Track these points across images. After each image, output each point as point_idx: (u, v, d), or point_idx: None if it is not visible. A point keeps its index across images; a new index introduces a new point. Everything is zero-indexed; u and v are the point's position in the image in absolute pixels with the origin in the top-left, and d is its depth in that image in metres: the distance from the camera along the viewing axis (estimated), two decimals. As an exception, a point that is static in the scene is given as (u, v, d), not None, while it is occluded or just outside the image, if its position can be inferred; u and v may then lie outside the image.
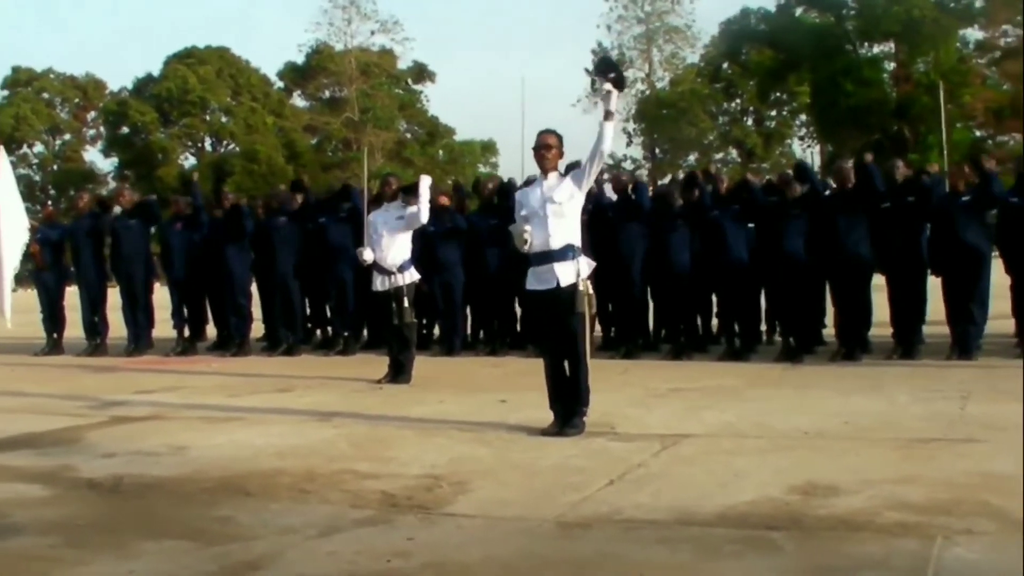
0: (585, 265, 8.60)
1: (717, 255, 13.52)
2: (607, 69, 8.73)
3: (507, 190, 14.47)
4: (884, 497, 6.01)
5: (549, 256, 8.54)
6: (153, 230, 17.69)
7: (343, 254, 15.05)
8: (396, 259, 12.12)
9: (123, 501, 6.87)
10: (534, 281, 8.69)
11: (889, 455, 7.28)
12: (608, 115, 8.49)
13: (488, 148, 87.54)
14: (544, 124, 8.96)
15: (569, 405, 8.57)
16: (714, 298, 14.31)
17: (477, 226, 15.16)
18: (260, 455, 8.12)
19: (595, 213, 13.70)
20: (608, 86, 8.52)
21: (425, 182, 12.14)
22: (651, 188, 15.71)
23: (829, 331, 14.06)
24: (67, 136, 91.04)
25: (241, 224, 16.14)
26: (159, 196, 18.00)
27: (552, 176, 8.70)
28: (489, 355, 14.89)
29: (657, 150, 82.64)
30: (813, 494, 6.15)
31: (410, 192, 12.22)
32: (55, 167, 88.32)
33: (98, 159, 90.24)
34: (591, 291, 8.63)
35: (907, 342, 12.89)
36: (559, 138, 8.81)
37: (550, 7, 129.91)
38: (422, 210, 11.98)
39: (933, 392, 10.05)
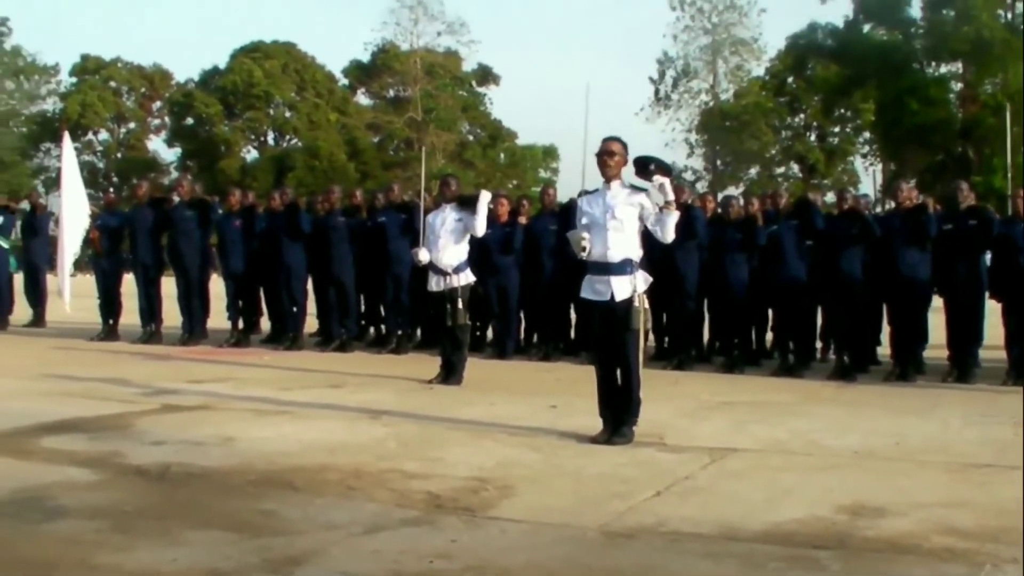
0: (642, 280, 8.58)
1: (774, 271, 13.43)
2: (646, 165, 8.66)
3: (569, 207, 14.41)
4: (933, 521, 5.96)
5: (606, 268, 8.52)
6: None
7: (400, 252, 15.05)
8: (452, 260, 12.12)
9: (170, 489, 6.91)
10: (589, 291, 8.67)
11: (940, 478, 7.23)
12: (668, 205, 8.47)
13: (549, 153, 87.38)
14: (606, 131, 8.91)
15: (619, 414, 8.55)
16: (769, 312, 14.22)
17: (536, 232, 15.11)
18: (308, 450, 8.16)
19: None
20: (658, 178, 8.48)
21: (484, 198, 12.13)
22: (710, 201, 15.58)
23: (884, 350, 13.92)
24: (132, 125, 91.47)
25: (298, 221, 16.17)
26: (219, 188, 17.98)
27: (615, 186, 8.67)
28: (542, 360, 14.85)
29: (719, 162, 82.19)
30: (861, 514, 6.11)
31: (467, 204, 12.21)
32: (119, 155, 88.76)
33: (162, 149, 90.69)
34: (647, 306, 8.61)
35: (963, 365, 12.76)
36: (623, 145, 8.77)
37: (616, 15, 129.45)
38: (478, 226, 12.01)
39: (987, 417, 9.96)
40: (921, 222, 12.61)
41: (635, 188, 8.72)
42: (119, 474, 7.33)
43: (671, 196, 8.48)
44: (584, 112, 9.27)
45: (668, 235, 8.54)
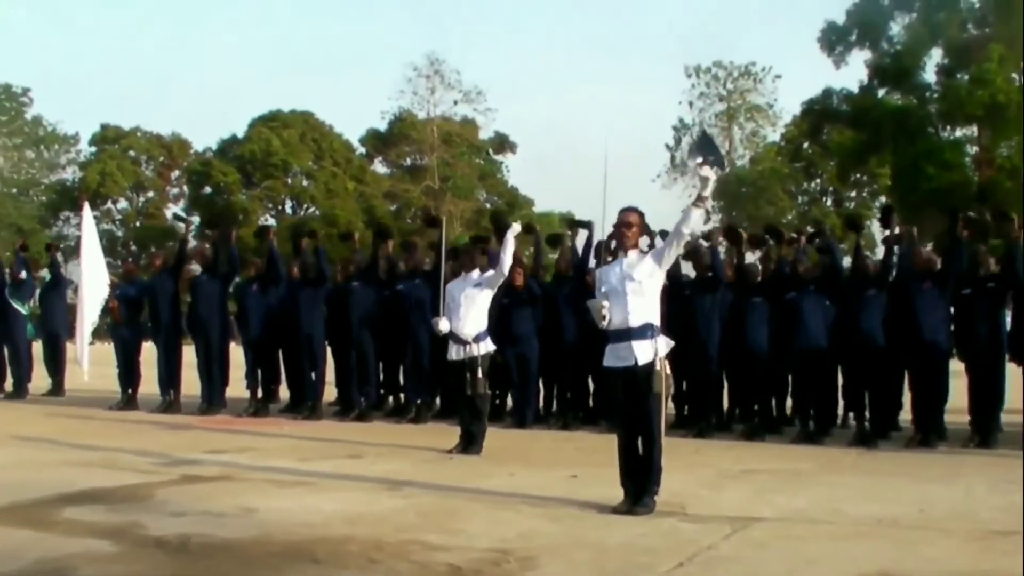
0: (663, 344, 8.55)
1: (794, 335, 13.40)
2: (707, 149, 8.63)
3: (555, 241, 14.48)
4: (961, 590, 5.90)
5: (627, 334, 8.50)
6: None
7: (419, 321, 15.06)
8: (472, 329, 12.11)
9: (190, 561, 6.88)
10: (611, 358, 8.65)
11: (965, 547, 7.17)
12: (699, 199, 8.45)
13: (566, 220, 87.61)
14: (623, 198, 8.93)
15: (640, 483, 8.50)
16: (789, 379, 14.17)
17: (552, 295, 15.12)
18: (329, 521, 8.12)
19: (672, 289, 13.67)
20: (705, 170, 8.43)
21: (514, 229, 12.09)
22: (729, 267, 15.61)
23: (905, 415, 13.86)
24: (151, 194, 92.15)
25: (321, 277, 16.25)
26: (243, 257, 18.01)
27: (632, 254, 8.67)
28: (561, 429, 14.79)
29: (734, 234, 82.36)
30: (887, 584, 6.05)
31: (497, 225, 12.11)
32: (138, 223, 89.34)
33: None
34: (668, 371, 8.58)
35: (985, 430, 12.68)
36: (641, 216, 8.80)
37: (631, 82, 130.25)
38: (505, 262, 11.97)
39: (1012, 483, 9.83)
40: (940, 286, 12.61)
41: (651, 248, 8.77)
42: (139, 545, 7.31)
43: (707, 192, 8.43)
44: (603, 179, 9.29)
45: (686, 226, 8.47)
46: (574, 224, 15.85)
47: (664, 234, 9.01)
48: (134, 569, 6.62)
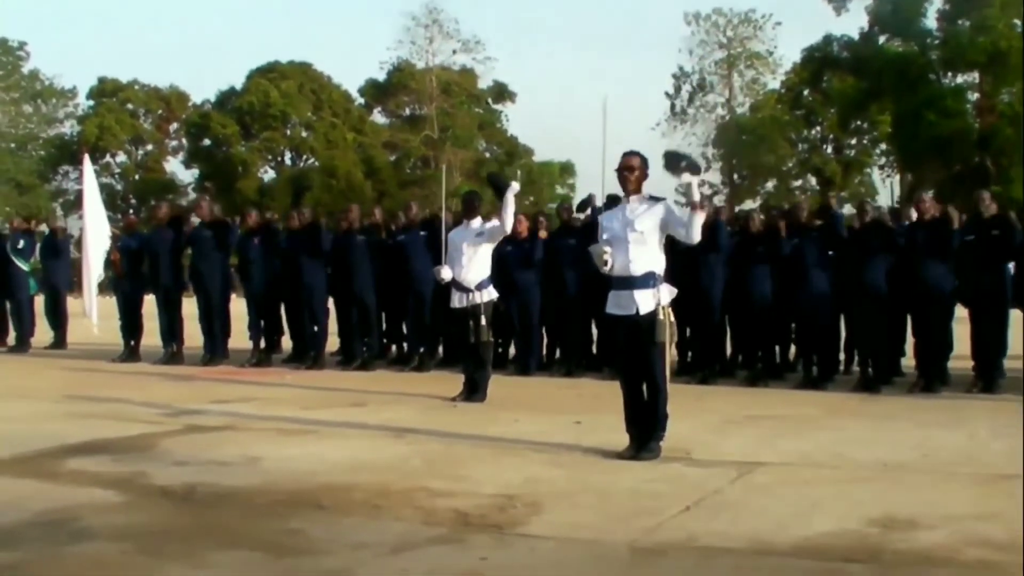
0: (666, 293, 8.52)
1: (797, 284, 13.38)
2: (676, 162, 8.56)
3: (586, 204, 14.40)
4: (965, 533, 5.90)
5: (630, 282, 8.47)
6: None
7: (421, 271, 15.03)
8: (475, 277, 12.09)
9: (196, 510, 6.88)
10: (614, 306, 8.63)
11: (970, 490, 7.18)
12: (694, 206, 8.39)
13: (566, 170, 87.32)
14: (623, 146, 8.87)
15: (646, 429, 8.50)
16: (792, 325, 14.16)
17: (556, 247, 15.10)
18: (334, 469, 8.12)
19: (675, 240, 13.64)
20: (686, 177, 8.38)
21: (514, 188, 12.03)
22: (729, 213, 15.59)
23: (908, 361, 13.86)
24: (149, 147, 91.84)
25: (319, 240, 16.19)
26: (237, 209, 18.00)
27: (635, 200, 8.62)
28: (564, 376, 14.82)
29: (736, 176, 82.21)
30: (892, 527, 6.06)
31: (496, 186, 12.10)
32: (137, 177, 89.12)
33: (179, 170, 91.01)
34: (672, 319, 8.56)
35: (988, 376, 12.69)
36: (643, 160, 8.72)
37: (631, 31, 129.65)
38: (506, 220, 11.90)
39: (1014, 427, 9.82)
40: (944, 233, 12.57)
41: (654, 198, 8.67)
42: (144, 495, 7.31)
43: (696, 197, 8.39)
44: (602, 126, 9.25)
45: (694, 236, 8.43)
46: (578, 205, 15.58)
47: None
48: (140, 518, 6.61)
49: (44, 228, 22.36)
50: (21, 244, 19.97)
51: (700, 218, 8.42)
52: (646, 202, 8.60)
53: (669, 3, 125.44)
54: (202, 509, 6.92)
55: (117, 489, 7.47)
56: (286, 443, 9.47)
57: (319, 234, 16.32)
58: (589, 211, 14.15)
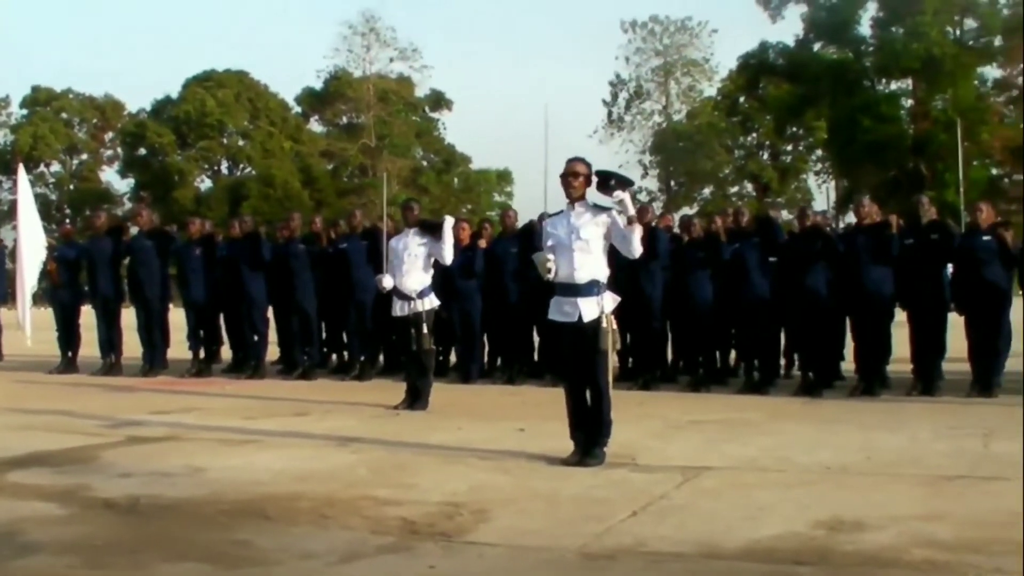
0: (609, 300, 8.54)
1: (737, 289, 13.46)
2: (607, 180, 8.59)
3: (529, 229, 14.44)
4: (912, 534, 5.94)
5: (574, 289, 8.48)
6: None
7: (362, 279, 14.99)
8: (416, 285, 12.06)
9: (141, 522, 6.81)
10: (556, 312, 8.63)
11: (915, 491, 7.22)
12: (631, 221, 8.43)
13: (503, 177, 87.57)
14: (562, 154, 8.86)
15: (590, 435, 8.51)
16: (733, 331, 14.24)
17: (497, 254, 15.09)
18: (279, 479, 8.07)
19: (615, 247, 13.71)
20: (618, 194, 8.42)
21: (448, 223, 12.02)
22: (669, 221, 15.65)
23: (847, 365, 13.96)
24: (84, 156, 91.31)
25: (259, 249, 16.10)
26: (174, 218, 17.89)
27: (579, 207, 8.62)
28: (506, 383, 14.82)
29: (672, 182, 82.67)
30: (839, 529, 6.09)
31: (430, 229, 12.14)
32: (72, 187, 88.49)
33: (115, 179, 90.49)
34: (615, 327, 8.59)
35: (927, 378, 12.81)
36: (587, 166, 8.72)
37: (568, 39, 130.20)
38: (446, 254, 11.95)
39: (955, 429, 9.98)
40: (885, 238, 12.68)
41: (599, 207, 8.68)
42: (88, 508, 7.22)
43: (631, 211, 8.43)
44: (543, 133, 9.26)
45: (635, 250, 8.47)
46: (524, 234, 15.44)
47: (611, 175, 8.90)
48: (84, 531, 6.53)
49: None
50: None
51: (639, 232, 8.45)
52: (591, 210, 8.60)
53: (606, 11, 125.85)
54: (147, 521, 6.84)
55: (60, 502, 7.37)
56: (229, 453, 9.40)
57: (259, 243, 16.24)
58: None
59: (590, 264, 8.47)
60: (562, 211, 8.81)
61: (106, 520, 6.86)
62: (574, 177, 8.62)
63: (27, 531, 6.46)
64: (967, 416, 10.86)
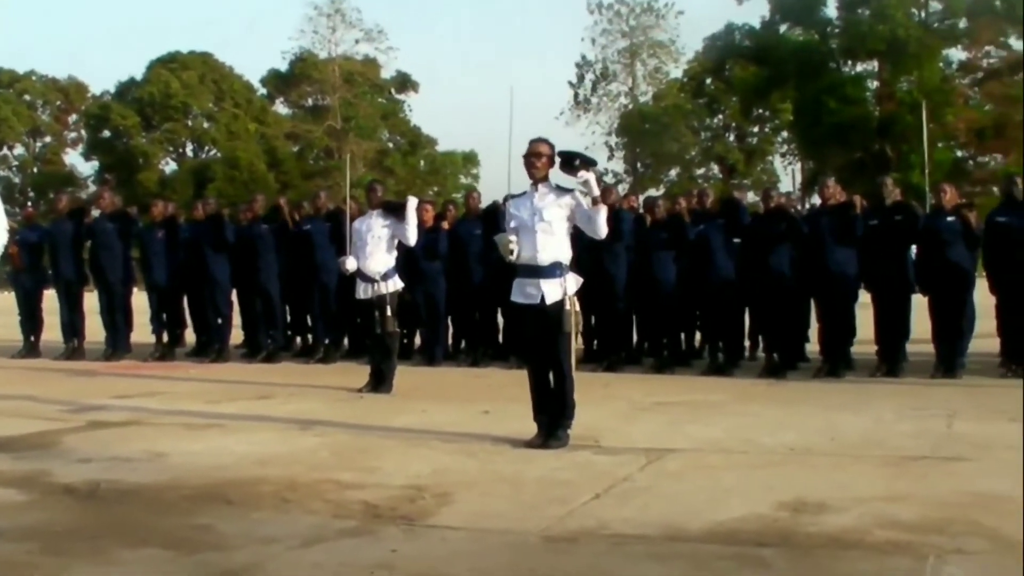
0: (572, 282, 8.52)
1: (702, 270, 13.46)
2: (571, 160, 8.54)
3: (493, 211, 14.44)
4: (874, 515, 5.94)
5: (536, 271, 8.45)
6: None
7: (326, 261, 14.92)
8: (380, 267, 12.00)
9: (101, 508, 6.75)
10: (519, 294, 8.60)
11: (878, 472, 7.23)
12: (595, 202, 8.39)
13: (469, 159, 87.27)
14: (527, 136, 8.82)
15: (553, 418, 8.49)
16: (697, 312, 14.24)
17: (461, 236, 15.04)
18: (241, 463, 8.03)
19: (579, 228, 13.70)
20: (582, 174, 8.37)
21: (412, 204, 11.97)
22: (633, 202, 15.63)
23: (812, 346, 13.98)
24: (48, 139, 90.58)
25: (222, 232, 16.02)
26: (138, 201, 17.74)
27: (543, 188, 8.60)
28: (471, 366, 14.79)
29: (639, 164, 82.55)
30: (802, 511, 6.09)
31: (393, 210, 12.08)
32: (35, 169, 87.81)
33: (79, 162, 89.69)
34: (578, 308, 8.55)
35: (891, 360, 12.84)
36: (551, 147, 8.69)
37: (534, 20, 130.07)
38: (410, 235, 11.89)
39: (919, 410, 9.99)
40: (848, 219, 12.71)
41: (562, 189, 8.65)
42: (48, 493, 7.16)
43: (596, 191, 8.39)
44: (508, 115, 9.23)
45: (600, 231, 8.45)
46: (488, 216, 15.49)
47: (575, 155, 8.88)
48: (44, 517, 6.47)
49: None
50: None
51: (603, 212, 8.42)
52: (554, 191, 8.58)
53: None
54: (107, 506, 6.79)
55: (19, 488, 7.31)
56: (192, 438, 9.34)
57: (223, 225, 16.15)
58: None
59: (553, 246, 8.45)
60: (525, 192, 8.77)
61: (66, 506, 6.81)
62: (537, 158, 8.59)
63: (-15, 517, 6.41)
64: (931, 397, 10.89)
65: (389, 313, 11.98)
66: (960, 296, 12.55)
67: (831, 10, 60.94)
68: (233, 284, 16.42)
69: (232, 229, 16.20)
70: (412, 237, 11.97)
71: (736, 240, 13.42)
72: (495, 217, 13.51)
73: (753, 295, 13.44)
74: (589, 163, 8.56)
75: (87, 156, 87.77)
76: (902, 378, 12.55)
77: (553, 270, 8.44)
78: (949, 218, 12.62)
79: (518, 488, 6.99)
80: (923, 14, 59.21)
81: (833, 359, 12.97)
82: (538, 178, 8.61)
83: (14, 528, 6.15)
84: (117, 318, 16.98)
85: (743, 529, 5.75)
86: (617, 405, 10.72)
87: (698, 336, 14.79)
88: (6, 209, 19.08)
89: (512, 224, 8.63)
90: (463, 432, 9.15)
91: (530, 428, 8.59)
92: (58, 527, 6.21)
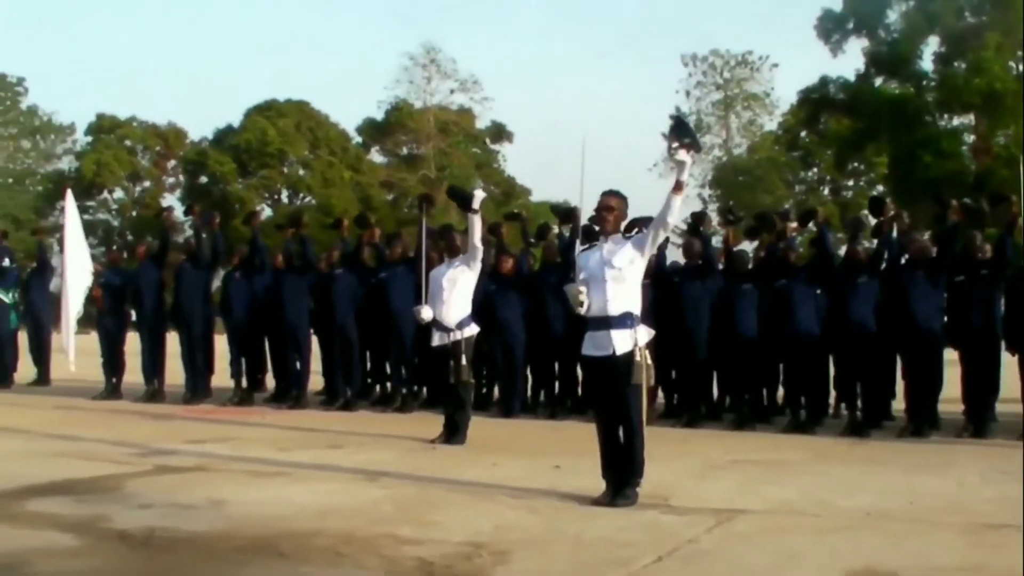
0: (644, 333, 8.31)
1: (785, 323, 13.18)
2: (681, 133, 8.38)
3: (543, 232, 15.11)
4: (948, 587, 5.67)
5: (606, 322, 8.26)
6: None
7: (404, 309, 14.79)
8: (455, 315, 11.86)
9: (151, 556, 6.64)
10: (590, 347, 8.42)
11: (955, 540, 6.94)
12: (678, 186, 8.19)
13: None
14: (619, 187, 8.68)
15: (622, 475, 8.27)
16: (780, 367, 13.96)
17: (541, 284, 14.87)
18: (300, 514, 7.89)
19: (660, 277, 13.53)
20: (682, 154, 8.18)
21: (477, 199, 11.44)
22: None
23: (898, 405, 13.64)
24: (147, 183, 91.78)
25: (305, 265, 16.07)
26: (232, 247, 17.77)
27: (613, 239, 8.44)
28: (548, 419, 14.57)
29: (731, 217, 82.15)
30: (871, 580, 5.82)
31: (459, 198, 11.83)
32: (134, 213, 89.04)
33: (177, 207, 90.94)
34: (649, 361, 8.33)
35: (979, 420, 12.46)
36: (622, 199, 8.54)
37: (629, 72, 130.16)
38: (475, 237, 11.58)
39: (1005, 473, 9.63)
40: (936, 273, 12.42)
41: (630, 236, 8.52)
42: (101, 539, 7.07)
43: (684, 176, 8.23)
44: (581, 166, 9.11)
45: (670, 215, 8.24)
46: (558, 212, 15.69)
47: (649, 220, 8.77)
48: (93, 563, 6.39)
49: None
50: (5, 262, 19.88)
51: (678, 200, 8.21)
52: (622, 241, 8.41)
53: (669, 44, 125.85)
54: (158, 555, 6.68)
55: (75, 532, 7.23)
56: (256, 486, 9.23)
57: (306, 255, 16.18)
58: (570, 225, 14.18)
59: (623, 295, 8.25)
60: (595, 244, 8.62)
61: (117, 552, 6.71)
62: (608, 211, 8.45)
63: (34, 562, 6.34)
64: (1018, 460, 10.47)
65: (464, 362, 11.82)
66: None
67: (927, 63, 60.28)
68: (313, 328, 16.36)
69: (312, 276, 16.16)
70: (477, 235, 11.64)
71: (818, 291, 13.21)
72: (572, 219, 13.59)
73: (837, 349, 13.17)
74: (695, 147, 8.38)
75: (184, 201, 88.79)
76: (990, 439, 12.17)
77: (624, 320, 8.24)
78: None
79: (579, 548, 6.78)
80: (1021, 67, 58.41)
81: (918, 418, 12.61)
82: (608, 231, 8.46)
83: (60, 574, 6.06)
84: (198, 360, 17.00)
85: (807, 598, 5.50)
86: (692, 462, 10.47)
87: (781, 392, 14.49)
88: (103, 252, 19.33)
89: (582, 276, 8.45)
90: (531, 487, 8.96)
91: (600, 485, 8.37)
92: (104, 574, 6.10)
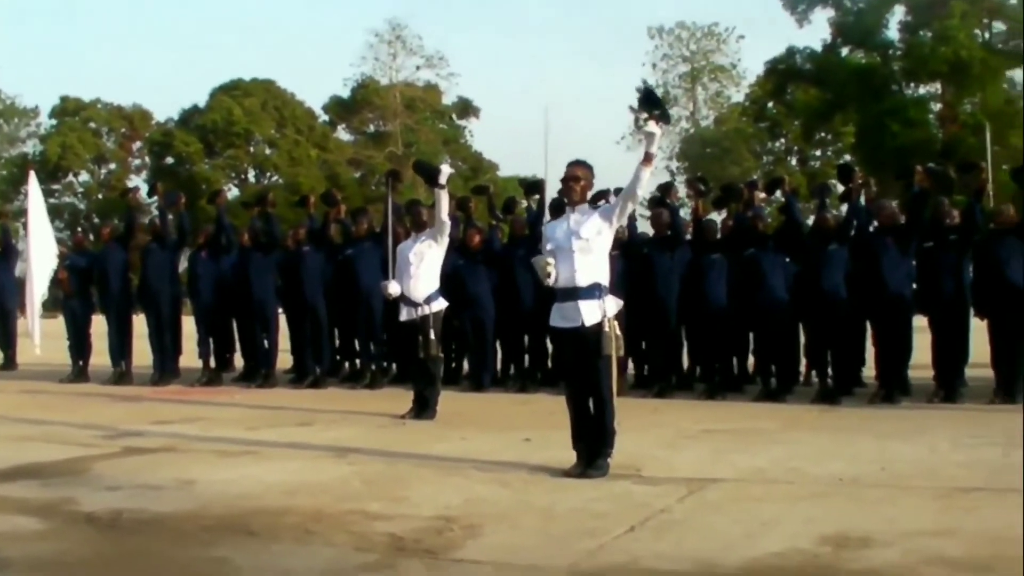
0: (612, 304, 8.25)
1: (755, 292, 13.16)
2: (651, 104, 8.34)
3: (510, 205, 15.32)
4: (921, 551, 5.64)
5: (574, 293, 8.19)
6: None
7: (372, 285, 14.71)
8: (423, 290, 11.77)
9: (119, 538, 6.56)
10: (558, 318, 8.35)
11: (927, 505, 6.92)
12: (647, 157, 8.13)
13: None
14: (587, 159, 8.62)
15: (593, 446, 8.22)
16: (751, 336, 13.95)
17: (510, 258, 14.81)
18: (269, 492, 7.82)
19: (630, 248, 13.51)
20: (651, 126, 8.15)
21: (444, 175, 11.22)
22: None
23: (868, 371, 13.64)
24: (112, 165, 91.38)
25: (271, 243, 16.03)
26: (199, 227, 17.59)
27: (580, 209, 8.38)
28: (519, 392, 14.52)
29: (701, 188, 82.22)
30: (845, 546, 5.80)
31: (424, 172, 11.70)
32: (100, 196, 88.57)
33: (142, 188, 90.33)
34: (618, 332, 8.26)
35: (949, 385, 12.47)
36: (588, 169, 8.48)
37: (596, 43, 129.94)
38: (441, 212, 11.51)
39: (976, 438, 9.64)
40: (905, 240, 12.41)
41: (598, 206, 8.47)
42: (68, 522, 6.98)
43: (653, 148, 8.16)
44: (544, 137, 9.05)
45: (639, 187, 8.20)
46: (525, 185, 15.66)
47: (618, 192, 8.72)
48: (60, 547, 6.29)
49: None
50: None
51: (647, 172, 8.16)
52: (589, 212, 8.35)
53: (633, 17, 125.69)
54: (126, 537, 6.59)
55: (41, 516, 7.13)
56: (224, 466, 9.14)
57: (271, 233, 16.19)
58: (537, 197, 14.11)
59: (591, 266, 8.18)
60: (562, 215, 8.56)
61: (84, 535, 6.63)
62: (575, 181, 8.38)
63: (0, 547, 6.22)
64: (989, 425, 10.50)
65: (432, 337, 11.74)
66: (1019, 318, 12.16)
67: (893, 32, 60.51)
68: (281, 306, 16.29)
69: (278, 253, 16.09)
70: (444, 209, 11.55)
71: (787, 260, 13.20)
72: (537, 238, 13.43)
73: (807, 317, 13.16)
74: (664, 119, 8.36)
75: (150, 182, 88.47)
76: (960, 404, 12.19)
77: (592, 291, 8.17)
78: (1008, 238, 12.28)
79: (550, 520, 6.73)
80: (986, 35, 58.60)
81: (889, 384, 12.60)
82: (575, 201, 8.39)
83: (24, 558, 5.98)
84: (165, 341, 16.86)
85: (780, 565, 5.47)
86: (663, 432, 10.43)
87: (751, 360, 14.47)
88: (68, 235, 19.21)
89: (549, 247, 8.38)
90: (501, 460, 8.91)
91: (571, 457, 8.33)
92: (70, 558, 6.03)
